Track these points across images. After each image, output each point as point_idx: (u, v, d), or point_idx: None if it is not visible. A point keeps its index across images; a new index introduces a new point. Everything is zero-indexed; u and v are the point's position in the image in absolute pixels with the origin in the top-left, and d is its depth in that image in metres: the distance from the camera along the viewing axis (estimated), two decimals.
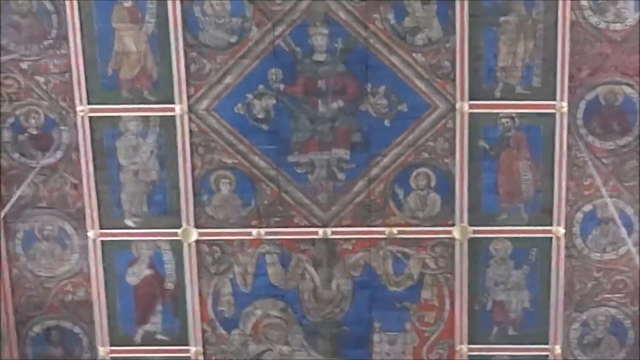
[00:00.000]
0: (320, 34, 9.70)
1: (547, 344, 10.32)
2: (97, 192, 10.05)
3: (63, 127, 9.95)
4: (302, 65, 9.78)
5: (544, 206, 10.00)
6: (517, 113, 9.80)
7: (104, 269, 10.26)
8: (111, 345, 10.45)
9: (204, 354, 10.47)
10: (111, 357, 10.50)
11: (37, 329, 10.51)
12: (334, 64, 9.77)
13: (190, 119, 9.89)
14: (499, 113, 9.81)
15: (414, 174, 10.02)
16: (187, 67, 9.74)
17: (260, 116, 9.92)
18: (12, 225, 10.20)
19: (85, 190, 10.04)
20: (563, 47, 9.59)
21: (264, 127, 9.94)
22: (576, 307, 10.30)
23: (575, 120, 9.82)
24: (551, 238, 10.04)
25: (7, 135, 9.97)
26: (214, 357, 10.52)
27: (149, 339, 10.46)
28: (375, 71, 9.76)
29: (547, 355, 10.36)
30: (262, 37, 9.70)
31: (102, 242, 10.20)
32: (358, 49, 9.73)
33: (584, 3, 9.54)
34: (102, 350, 10.45)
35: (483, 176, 9.95)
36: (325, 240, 10.20)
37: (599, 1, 9.55)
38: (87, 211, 10.09)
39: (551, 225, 10.00)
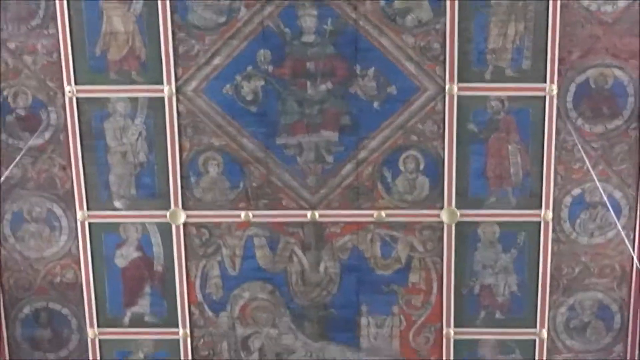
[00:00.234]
0: (309, 15, 9.63)
1: (534, 327, 10.29)
2: (85, 174, 10.02)
3: (51, 108, 9.91)
4: (290, 46, 9.71)
5: (532, 190, 9.94)
6: (507, 96, 9.75)
7: (92, 251, 10.25)
8: (99, 326, 10.45)
9: (192, 336, 10.47)
10: (99, 339, 10.51)
11: (26, 310, 10.50)
12: (323, 45, 9.70)
13: (178, 100, 9.85)
14: (488, 96, 9.76)
15: (403, 156, 9.97)
16: (175, 48, 9.68)
17: (248, 98, 9.87)
18: (0, 206, 10.18)
19: (73, 171, 10.03)
20: (554, 29, 9.51)
21: (253, 109, 9.89)
22: (563, 292, 10.25)
23: (565, 104, 9.75)
24: (539, 222, 9.99)
25: None
26: (201, 340, 10.52)
27: (137, 321, 10.45)
28: (365, 53, 9.69)
29: (533, 340, 10.33)
30: (251, 17, 9.63)
31: (90, 224, 10.18)
32: (347, 30, 9.65)
33: None
34: (90, 332, 10.46)
35: (472, 159, 9.90)
36: (314, 223, 10.16)
37: None
38: (76, 193, 10.08)
39: (539, 209, 9.97)
